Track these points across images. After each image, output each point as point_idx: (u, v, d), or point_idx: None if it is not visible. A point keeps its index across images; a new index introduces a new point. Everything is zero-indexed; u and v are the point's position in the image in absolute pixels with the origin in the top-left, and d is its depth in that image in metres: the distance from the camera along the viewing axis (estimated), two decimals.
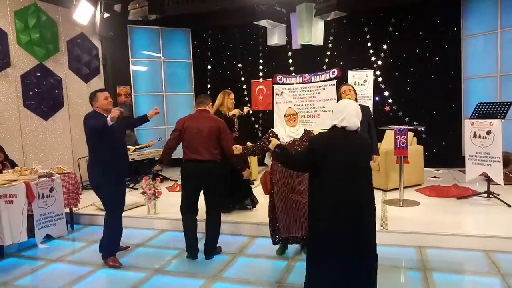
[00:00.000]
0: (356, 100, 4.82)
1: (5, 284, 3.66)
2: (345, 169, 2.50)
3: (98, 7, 7.19)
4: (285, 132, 3.85)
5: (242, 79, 9.35)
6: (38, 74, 6.77)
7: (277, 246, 4.05)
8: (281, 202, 3.80)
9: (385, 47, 8.16)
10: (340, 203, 2.48)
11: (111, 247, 4.01)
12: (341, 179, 2.49)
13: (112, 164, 3.85)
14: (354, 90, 4.81)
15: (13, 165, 5.58)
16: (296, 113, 3.90)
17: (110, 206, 4.01)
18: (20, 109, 6.48)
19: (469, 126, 5.31)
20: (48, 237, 4.82)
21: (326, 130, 2.70)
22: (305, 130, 3.88)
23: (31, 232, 4.56)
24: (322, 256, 2.55)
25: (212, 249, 4.06)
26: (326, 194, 2.51)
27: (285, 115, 3.92)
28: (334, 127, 2.62)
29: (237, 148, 3.83)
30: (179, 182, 7.04)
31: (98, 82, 8.02)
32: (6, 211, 4.22)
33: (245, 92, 9.31)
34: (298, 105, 8.57)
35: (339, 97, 4.82)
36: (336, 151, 2.53)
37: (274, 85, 8.91)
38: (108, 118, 3.52)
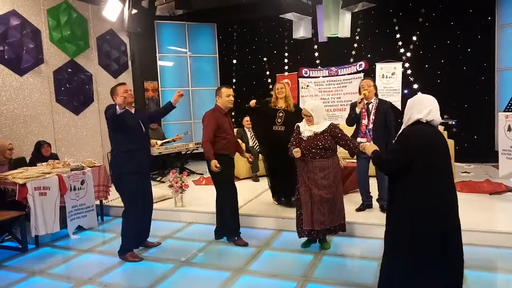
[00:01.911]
0: (376, 95, 4.64)
1: (40, 272, 3.82)
2: (436, 169, 2.32)
3: (127, 4, 7.35)
4: (305, 127, 3.84)
5: (267, 73, 9.33)
6: (69, 70, 6.96)
7: (303, 240, 4.03)
8: (304, 195, 3.79)
9: (414, 38, 7.95)
10: (432, 205, 2.30)
11: (125, 243, 3.99)
12: (433, 180, 2.30)
13: (128, 155, 3.82)
14: (375, 86, 4.56)
15: (56, 158, 5.74)
16: (311, 115, 3.73)
17: (125, 199, 3.96)
18: (53, 104, 6.70)
19: (503, 119, 5.13)
20: (80, 228, 4.99)
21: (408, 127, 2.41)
22: (330, 124, 3.78)
23: (63, 223, 4.76)
24: (410, 262, 2.36)
25: (217, 231, 4.43)
26: (416, 196, 2.32)
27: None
28: (417, 122, 2.38)
29: None
30: (205, 176, 7.17)
31: (126, 77, 8.17)
32: (40, 202, 4.40)
33: (270, 86, 9.27)
34: (324, 99, 8.49)
35: (359, 91, 4.60)
36: (428, 148, 2.32)
37: (299, 79, 8.85)
38: (117, 107, 3.56)
